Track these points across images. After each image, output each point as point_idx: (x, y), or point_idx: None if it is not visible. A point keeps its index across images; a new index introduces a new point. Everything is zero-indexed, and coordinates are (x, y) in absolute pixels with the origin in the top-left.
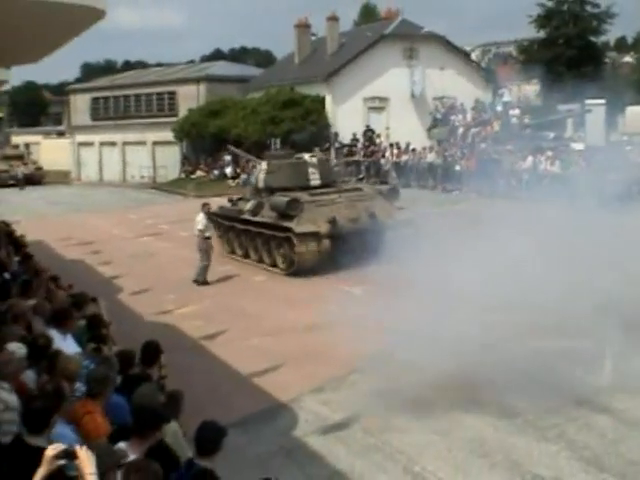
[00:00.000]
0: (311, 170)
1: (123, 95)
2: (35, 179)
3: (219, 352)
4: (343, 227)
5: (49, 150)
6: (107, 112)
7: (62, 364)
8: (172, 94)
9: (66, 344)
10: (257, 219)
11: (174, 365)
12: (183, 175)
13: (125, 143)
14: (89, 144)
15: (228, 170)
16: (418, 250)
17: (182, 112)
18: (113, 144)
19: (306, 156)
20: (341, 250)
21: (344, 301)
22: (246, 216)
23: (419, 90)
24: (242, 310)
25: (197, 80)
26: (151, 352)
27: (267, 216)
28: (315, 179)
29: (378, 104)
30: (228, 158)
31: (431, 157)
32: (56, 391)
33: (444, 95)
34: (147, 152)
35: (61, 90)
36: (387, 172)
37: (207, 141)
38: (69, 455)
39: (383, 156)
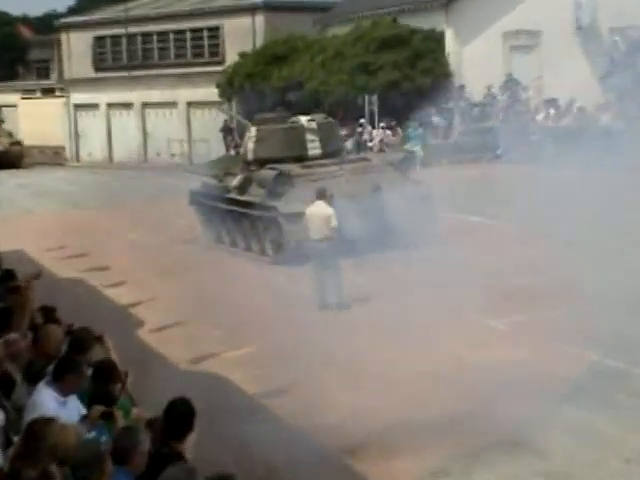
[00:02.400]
0: (309, 137)
1: (141, 33)
2: (10, 159)
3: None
4: (342, 204)
5: (31, 116)
6: (118, 59)
7: (53, 438)
8: (215, 31)
9: (66, 411)
10: (244, 198)
11: (222, 437)
12: (232, 152)
13: (146, 105)
14: (92, 107)
15: None
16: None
17: (230, 58)
18: (128, 106)
19: (303, 120)
20: (340, 232)
21: None
22: (232, 194)
23: (588, 18)
24: (321, 347)
25: (252, 9)
26: (181, 418)
27: (255, 194)
28: (314, 148)
29: (525, 41)
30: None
31: (607, 119)
32: None
33: (627, 25)
34: (179, 118)
35: (48, 26)
36: (538, 143)
37: (268, 100)
38: None
39: (533, 119)
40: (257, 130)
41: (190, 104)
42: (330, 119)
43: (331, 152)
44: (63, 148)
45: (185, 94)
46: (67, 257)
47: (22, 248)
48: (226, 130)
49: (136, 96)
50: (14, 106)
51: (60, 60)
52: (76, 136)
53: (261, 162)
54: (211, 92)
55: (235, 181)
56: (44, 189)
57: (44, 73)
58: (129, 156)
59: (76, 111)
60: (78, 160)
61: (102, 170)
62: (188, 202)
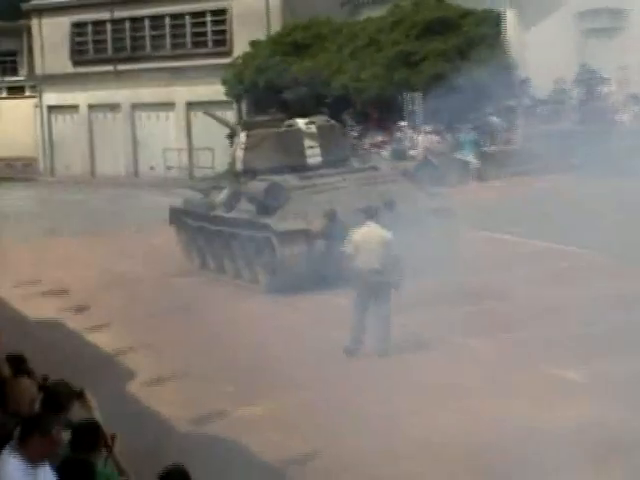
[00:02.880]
0: (308, 143)
1: (130, 18)
2: None
3: None
4: (345, 222)
5: None
6: (101, 50)
7: None
8: (220, 14)
9: None
10: (232, 215)
11: None
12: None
13: (136, 107)
14: (69, 109)
15: None
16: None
17: (239, 48)
18: (114, 108)
19: (300, 123)
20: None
21: None
22: (218, 212)
23: None
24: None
25: None
26: None
27: (244, 210)
28: (314, 155)
29: (604, 23)
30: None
31: None
32: None
33: None
34: (176, 122)
35: (14, 10)
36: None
37: (287, 99)
38: None
39: (616, 120)
40: (247, 136)
41: (190, 105)
42: (332, 121)
43: (334, 160)
44: (35, 160)
45: (184, 93)
46: (41, 294)
47: None
48: (234, 136)
49: (124, 96)
50: None
51: (30, 52)
52: (50, 145)
53: (252, 173)
54: (216, 90)
55: (222, 196)
56: (11, 211)
57: (10, 68)
58: (115, 169)
59: (50, 114)
60: (53, 174)
61: (83, 187)
62: (168, 222)
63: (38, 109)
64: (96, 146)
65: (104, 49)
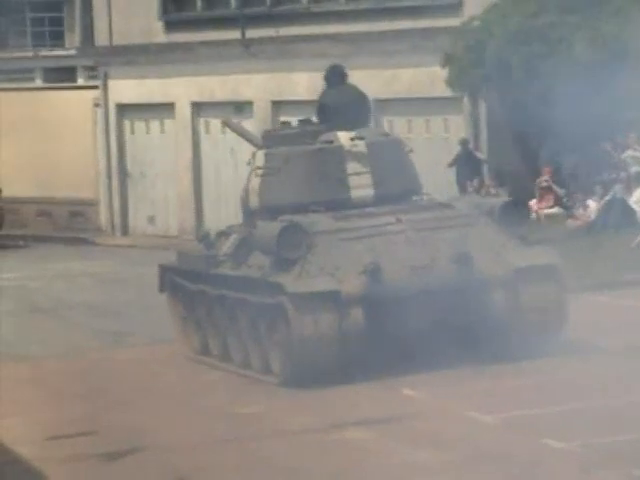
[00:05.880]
0: (353, 167)
1: None
2: None
3: None
4: (395, 283)
5: (21, 130)
6: (218, 1)
7: None
8: None
9: None
10: (239, 273)
11: None
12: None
13: (281, 106)
14: (157, 109)
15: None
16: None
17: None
18: (241, 109)
19: (343, 137)
20: (389, 332)
21: None
22: (223, 269)
23: None
24: None
25: None
26: None
27: (257, 266)
28: (361, 186)
29: None
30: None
31: None
32: None
33: None
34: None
35: None
36: None
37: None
38: None
39: None
40: (266, 155)
41: (382, 103)
42: (391, 135)
43: (392, 194)
44: (92, 204)
45: (370, 80)
46: (92, 456)
47: None
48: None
49: (258, 86)
50: None
51: (86, 8)
52: (121, 177)
53: (272, 211)
54: (430, 75)
55: (228, 244)
56: (46, 301)
57: (51, 36)
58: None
59: (122, 119)
60: (125, 231)
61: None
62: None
63: (100, 109)
64: (207, 179)
65: (223, 1)
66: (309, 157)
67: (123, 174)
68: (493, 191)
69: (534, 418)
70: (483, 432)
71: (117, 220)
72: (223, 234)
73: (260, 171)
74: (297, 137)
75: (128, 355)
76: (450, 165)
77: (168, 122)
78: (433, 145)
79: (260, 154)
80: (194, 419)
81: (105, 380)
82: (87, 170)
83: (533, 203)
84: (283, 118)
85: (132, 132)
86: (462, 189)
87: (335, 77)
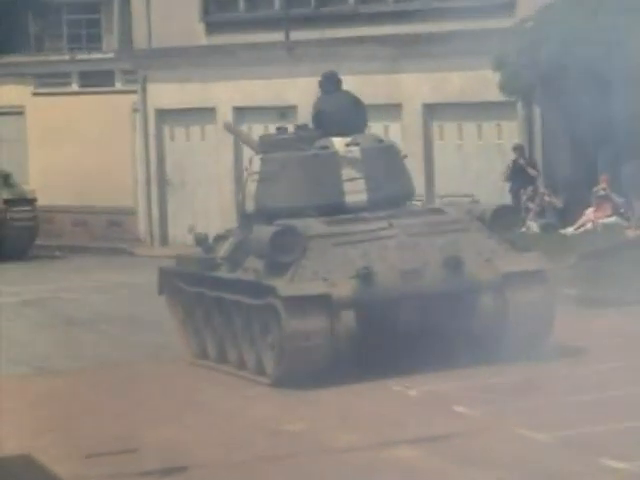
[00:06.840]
0: (348, 173)
1: None
2: (6, 239)
3: None
4: (387, 287)
5: (56, 136)
6: (261, 3)
7: None
8: None
9: None
10: (234, 276)
11: None
12: (528, 224)
13: None
14: (198, 114)
15: None
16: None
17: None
18: (286, 114)
19: (337, 143)
20: (380, 335)
21: None
22: (220, 272)
23: None
24: None
25: None
26: None
27: (252, 269)
28: (356, 192)
29: None
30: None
31: None
32: None
33: None
34: (405, 136)
35: None
36: None
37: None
38: None
39: None
40: (262, 160)
41: (430, 107)
42: (386, 141)
43: (386, 199)
44: (132, 213)
45: (418, 85)
46: (132, 474)
47: (28, 452)
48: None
49: (307, 88)
50: (18, 113)
51: (124, 9)
52: (160, 185)
53: (268, 216)
54: (482, 77)
55: (224, 249)
56: (82, 314)
57: (88, 38)
58: None
59: (162, 124)
60: (165, 241)
61: None
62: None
63: (138, 115)
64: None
65: (267, 2)
66: (304, 162)
67: (162, 182)
68: (547, 199)
69: (589, 436)
70: (535, 451)
71: (156, 230)
72: (221, 238)
73: (256, 176)
74: (293, 143)
75: (168, 369)
76: (505, 179)
77: (209, 128)
78: (486, 151)
79: (256, 159)
80: (237, 435)
81: (145, 395)
82: (125, 178)
83: (589, 212)
84: None
85: (172, 138)
86: (515, 197)
87: (330, 84)
